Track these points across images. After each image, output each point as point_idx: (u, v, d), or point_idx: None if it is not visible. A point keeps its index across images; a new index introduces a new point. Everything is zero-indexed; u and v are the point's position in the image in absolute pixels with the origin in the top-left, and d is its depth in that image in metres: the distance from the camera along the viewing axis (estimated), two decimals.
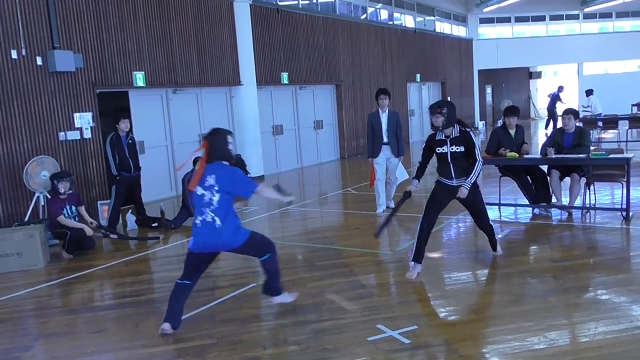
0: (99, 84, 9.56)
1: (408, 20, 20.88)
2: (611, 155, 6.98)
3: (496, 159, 7.49)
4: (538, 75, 29.51)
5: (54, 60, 8.66)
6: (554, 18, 27.11)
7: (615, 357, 3.54)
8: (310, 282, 5.27)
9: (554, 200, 7.46)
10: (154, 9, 10.55)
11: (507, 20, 26.68)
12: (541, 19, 26.98)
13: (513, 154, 7.28)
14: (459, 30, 25.18)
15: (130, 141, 8.29)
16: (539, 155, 7.42)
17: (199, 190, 4.18)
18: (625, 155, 7.24)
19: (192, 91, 11.74)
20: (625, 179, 6.86)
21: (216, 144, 4.21)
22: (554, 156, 7.06)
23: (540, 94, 28.09)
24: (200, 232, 4.19)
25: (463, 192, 5.22)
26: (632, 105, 20.05)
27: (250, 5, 12.57)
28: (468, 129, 5.27)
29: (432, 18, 22.79)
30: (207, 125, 11.97)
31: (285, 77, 14.03)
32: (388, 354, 3.72)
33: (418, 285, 5.23)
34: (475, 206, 5.52)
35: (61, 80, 8.98)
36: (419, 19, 21.64)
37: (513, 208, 7.99)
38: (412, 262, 5.35)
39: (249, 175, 12.96)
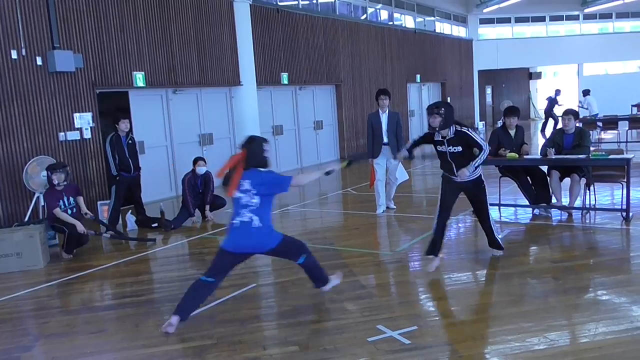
0: (99, 84, 9.56)
1: (408, 21, 20.89)
2: (611, 156, 6.98)
3: (496, 159, 7.48)
4: (538, 75, 29.51)
5: (54, 60, 8.66)
6: (554, 18, 27.12)
7: (615, 357, 3.53)
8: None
9: (554, 200, 7.45)
10: (154, 9, 10.55)
11: (507, 20, 26.69)
12: (541, 19, 26.99)
13: (513, 154, 7.28)
14: (459, 31, 25.18)
15: (130, 141, 8.29)
16: (539, 156, 7.42)
17: (236, 194, 4.30)
18: (625, 155, 7.24)
19: (192, 91, 11.74)
20: (625, 180, 6.86)
21: (253, 152, 4.35)
22: (554, 157, 7.06)
23: (540, 94, 28.09)
24: (238, 233, 4.28)
25: (462, 173, 5.24)
26: (632, 105, 20.05)
27: (250, 5, 12.57)
28: (464, 128, 5.26)
29: (432, 18, 22.80)
30: (207, 126, 12.01)
31: (285, 77, 14.03)
32: (388, 355, 3.72)
33: (418, 286, 5.23)
34: (478, 202, 5.56)
35: (61, 81, 8.98)
36: (419, 19, 21.65)
37: (513, 208, 7.99)
38: (431, 256, 5.48)
39: None
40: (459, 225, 7.40)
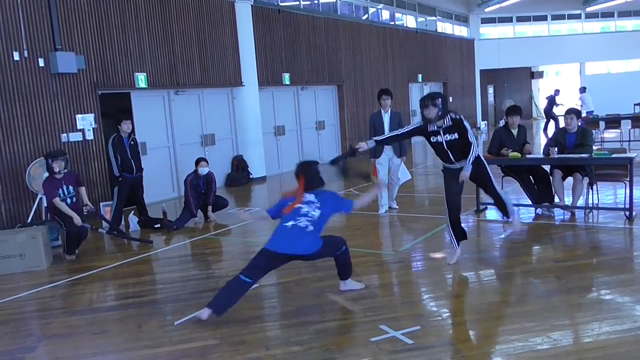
0: (101, 85, 9.58)
1: (409, 21, 20.88)
2: (614, 155, 6.96)
3: (498, 159, 7.48)
4: (540, 75, 29.47)
5: (56, 62, 8.67)
6: (556, 18, 27.09)
7: (618, 357, 3.52)
8: (312, 283, 5.27)
9: (556, 200, 7.44)
10: (156, 10, 10.57)
11: (508, 20, 26.66)
12: (543, 18, 26.96)
13: (515, 154, 7.27)
14: (461, 31, 25.17)
15: (132, 142, 8.30)
16: (541, 155, 7.40)
17: (297, 205, 4.55)
18: (628, 154, 7.23)
19: (194, 92, 11.75)
20: (628, 179, 6.85)
21: (311, 176, 4.64)
22: (556, 156, 7.05)
23: (542, 94, 28.06)
24: (288, 234, 4.43)
25: (464, 176, 5.24)
26: (635, 104, 20.04)
27: (251, 6, 12.58)
28: (459, 116, 5.25)
29: (434, 18, 22.78)
30: (209, 126, 12.02)
31: (286, 77, 14.03)
32: (391, 355, 3.71)
33: (421, 286, 5.23)
34: (481, 179, 5.51)
35: (63, 82, 8.99)
36: (421, 19, 21.64)
37: (515, 208, 7.96)
38: (457, 247, 5.56)
39: (251, 176, 13.02)
40: (462, 225, 7.37)
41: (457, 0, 24.40)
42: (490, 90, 28.42)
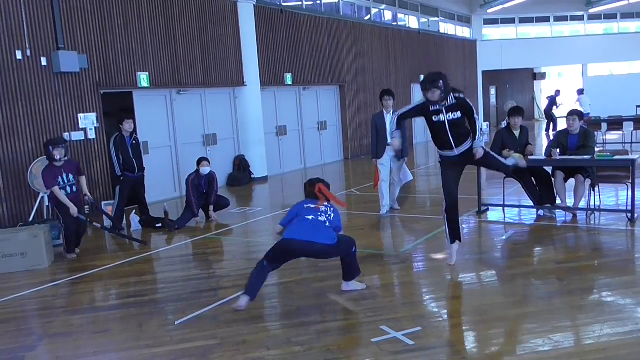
0: (103, 84, 9.59)
1: (412, 21, 20.87)
2: (616, 157, 6.96)
3: None
4: (542, 76, 29.45)
5: (58, 61, 8.69)
6: (559, 19, 27.06)
7: (620, 359, 3.52)
8: (313, 283, 5.26)
9: (558, 201, 7.43)
10: (158, 10, 10.58)
11: (511, 21, 26.64)
12: (546, 19, 26.93)
13: (517, 155, 7.25)
14: (463, 31, 25.15)
15: (134, 142, 8.30)
16: (543, 157, 7.39)
17: (313, 205, 4.84)
18: (630, 156, 7.22)
19: (196, 92, 11.76)
20: (630, 181, 6.84)
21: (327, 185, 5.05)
22: (558, 157, 7.04)
23: (544, 95, 28.06)
24: (308, 224, 4.65)
25: (480, 153, 5.21)
26: (637, 106, 20.01)
27: (254, 6, 12.58)
28: (462, 94, 5.20)
29: (436, 19, 22.77)
30: (211, 126, 12.03)
31: (289, 77, 14.04)
32: (392, 356, 3.71)
33: (422, 287, 5.22)
34: (487, 160, 5.45)
35: (66, 81, 9.01)
36: (423, 20, 21.62)
37: (517, 209, 7.97)
38: (449, 244, 5.52)
39: (253, 176, 13.01)
40: (463, 226, 7.37)
41: (459, 1, 24.39)
42: (493, 91, 28.40)
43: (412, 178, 8.56)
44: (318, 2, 15.85)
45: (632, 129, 15.06)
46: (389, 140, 8.02)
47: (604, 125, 15.64)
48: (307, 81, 14.78)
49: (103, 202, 8.81)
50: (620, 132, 15.60)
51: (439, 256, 5.92)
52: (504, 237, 6.76)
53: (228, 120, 12.63)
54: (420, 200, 9.50)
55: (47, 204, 8.13)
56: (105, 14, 9.58)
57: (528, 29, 27.15)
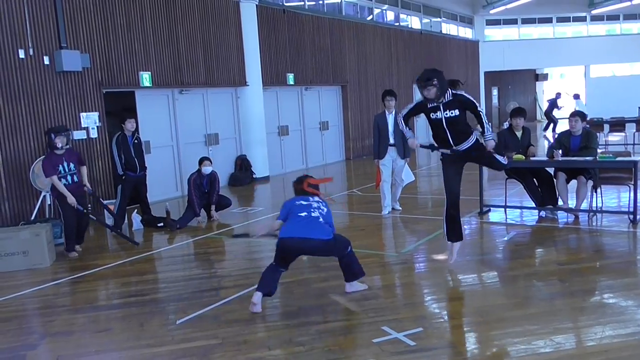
0: (105, 83, 9.60)
1: (414, 22, 20.86)
2: (618, 158, 6.95)
3: None
4: (544, 77, 29.41)
5: (61, 60, 8.69)
6: (561, 20, 27.03)
7: None
8: (315, 283, 5.26)
9: (560, 202, 7.42)
10: (161, 9, 10.58)
11: (513, 22, 26.62)
12: (548, 20, 26.90)
13: (519, 156, 7.25)
14: (465, 32, 25.13)
15: (136, 141, 8.30)
16: (545, 158, 7.38)
17: (304, 202, 4.88)
18: (632, 158, 7.20)
19: (198, 91, 11.76)
20: (632, 182, 6.82)
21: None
22: (560, 158, 7.03)
23: (546, 96, 28.05)
24: (302, 221, 4.67)
25: (491, 145, 5.22)
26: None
27: (256, 5, 12.58)
28: (460, 91, 5.15)
29: (439, 19, 22.76)
30: (213, 126, 12.02)
31: (291, 77, 14.04)
32: (393, 356, 3.70)
33: (423, 287, 5.22)
34: (484, 158, 5.45)
35: (68, 80, 9.01)
36: (425, 20, 21.61)
37: (519, 210, 7.96)
38: (449, 243, 5.48)
39: (254, 176, 13.02)
40: (464, 227, 7.37)
41: (462, 1, 24.37)
42: (495, 92, 28.37)
43: (413, 179, 8.55)
44: (320, 2, 15.85)
45: (635, 130, 15.03)
46: (391, 141, 8.04)
47: (606, 127, 15.63)
48: (309, 81, 14.78)
49: (105, 201, 8.81)
50: (623, 134, 15.58)
51: (441, 257, 5.92)
52: (505, 238, 6.76)
53: (230, 120, 12.63)
54: (422, 201, 9.49)
55: (49, 202, 8.14)
56: (107, 13, 9.59)
57: (530, 30, 27.13)
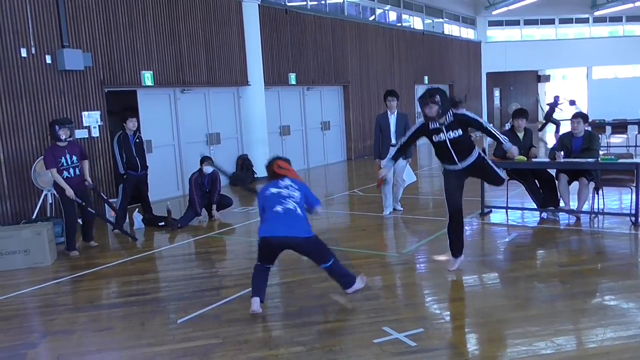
0: (107, 82, 9.60)
1: (416, 22, 20.85)
2: (620, 160, 6.93)
3: (504, 162, 7.44)
4: (547, 78, 29.39)
5: (63, 59, 8.70)
6: (564, 21, 26.99)
7: None
8: (316, 283, 5.26)
9: (561, 204, 7.41)
10: (163, 9, 10.58)
11: (516, 23, 26.60)
12: (550, 22, 26.87)
13: (521, 157, 7.24)
14: (468, 33, 25.12)
15: (137, 140, 8.31)
16: (547, 159, 7.38)
17: (274, 190, 4.73)
18: (634, 160, 7.20)
19: (200, 91, 11.77)
20: (634, 184, 6.81)
21: (286, 160, 5.02)
22: (562, 160, 7.02)
23: (548, 97, 28.06)
24: (279, 218, 4.56)
25: (515, 151, 5.35)
26: None
27: (258, 5, 12.59)
28: (460, 111, 5.12)
29: (441, 20, 22.75)
30: (215, 125, 12.03)
31: (292, 77, 14.04)
32: (394, 357, 3.70)
33: (424, 288, 5.22)
34: (485, 174, 5.44)
35: (70, 79, 9.02)
36: (428, 20, 21.61)
37: (520, 212, 7.96)
38: (452, 258, 5.43)
39: (256, 176, 13.01)
40: (466, 228, 7.35)
41: (464, 2, 24.36)
42: (497, 93, 28.35)
43: (415, 179, 8.55)
44: (322, 2, 15.85)
45: (637, 132, 15.01)
46: (393, 141, 8.04)
47: (608, 129, 15.62)
48: (311, 81, 14.78)
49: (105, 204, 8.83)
50: (625, 136, 15.56)
51: (442, 258, 5.91)
52: (506, 240, 6.76)
53: (232, 120, 12.63)
54: (423, 202, 9.49)
55: (50, 201, 8.15)
56: (110, 13, 9.59)
57: (533, 31, 27.11)
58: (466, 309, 4.65)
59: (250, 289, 5.14)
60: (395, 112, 8.10)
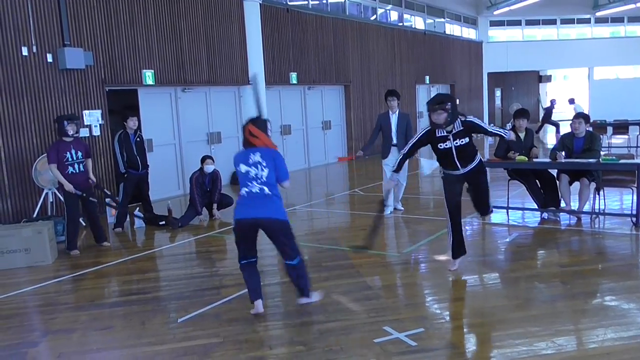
0: (108, 81, 9.60)
1: (418, 22, 20.84)
2: (621, 161, 6.92)
3: (505, 162, 7.45)
4: (548, 78, 29.37)
5: (64, 58, 8.70)
6: (565, 22, 26.97)
7: None
8: (316, 283, 5.24)
9: (562, 204, 7.41)
10: (164, 8, 10.58)
11: (517, 23, 26.57)
12: (552, 22, 26.85)
13: (522, 157, 7.24)
14: (469, 33, 25.10)
15: (138, 139, 8.31)
16: (548, 159, 7.37)
17: (243, 168, 4.44)
18: (635, 160, 7.19)
19: (201, 90, 11.77)
20: (635, 185, 6.81)
21: (261, 129, 4.48)
22: (563, 160, 7.02)
23: (549, 98, 28.03)
24: (246, 201, 4.38)
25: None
26: None
27: (260, 4, 12.58)
28: (468, 117, 5.07)
29: (442, 20, 22.73)
30: (216, 124, 12.05)
31: (294, 77, 14.03)
32: (394, 356, 3.70)
33: (425, 288, 5.21)
34: (479, 184, 5.29)
35: (71, 78, 9.02)
36: (429, 20, 21.59)
37: (521, 212, 7.95)
38: (451, 258, 5.40)
39: None
40: (466, 228, 7.35)
41: (466, 2, 24.33)
42: (498, 93, 28.34)
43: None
44: (324, 1, 15.85)
45: (638, 133, 15.00)
46: (394, 141, 8.04)
47: (610, 129, 15.61)
48: (312, 80, 14.78)
49: (107, 199, 8.82)
50: (626, 136, 15.54)
51: (442, 257, 5.90)
52: (507, 240, 6.75)
53: (232, 119, 12.63)
54: (424, 202, 9.49)
55: (51, 200, 8.15)
56: (111, 11, 9.59)
57: (534, 31, 27.08)
58: (467, 309, 4.65)
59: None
60: (397, 112, 8.10)
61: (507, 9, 24.01)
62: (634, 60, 26.83)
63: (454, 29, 23.75)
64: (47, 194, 8.15)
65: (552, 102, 20.81)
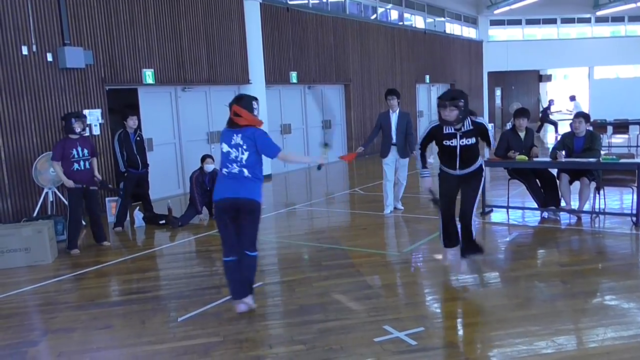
0: (108, 80, 9.60)
1: (418, 21, 20.84)
2: (622, 160, 6.93)
3: (505, 161, 7.45)
4: (548, 78, 29.36)
5: (64, 57, 8.69)
6: (566, 21, 26.96)
7: None
8: (316, 282, 5.26)
9: (562, 204, 7.41)
10: (164, 7, 10.58)
11: (517, 22, 26.56)
12: (552, 21, 26.83)
13: (522, 156, 7.24)
14: (469, 32, 25.09)
15: (138, 138, 8.31)
16: (548, 159, 7.37)
17: (225, 148, 4.45)
18: (636, 160, 7.19)
19: (201, 89, 11.76)
20: (635, 184, 6.81)
21: (245, 108, 4.47)
22: (563, 159, 7.02)
23: (550, 97, 28.03)
24: (227, 180, 4.43)
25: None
26: None
27: (260, 3, 12.57)
28: (478, 118, 4.98)
29: (443, 19, 22.73)
30: (216, 124, 12.03)
31: (294, 76, 14.03)
32: (394, 355, 3.70)
33: (425, 287, 5.21)
34: (470, 188, 5.08)
35: (71, 77, 9.02)
36: (429, 19, 21.59)
37: (521, 211, 7.95)
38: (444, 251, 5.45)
39: None
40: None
41: (466, 1, 24.33)
42: (498, 92, 28.33)
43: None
44: (324, 0, 15.84)
45: (638, 132, 15.00)
46: (394, 140, 8.04)
47: (610, 128, 15.60)
48: (312, 80, 14.77)
49: (107, 199, 8.83)
50: (626, 136, 15.54)
51: (442, 257, 5.90)
52: (507, 239, 6.75)
53: None
54: (424, 201, 9.48)
55: (51, 199, 8.15)
56: (111, 10, 9.58)
57: (534, 31, 27.07)
58: (466, 308, 4.65)
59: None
60: (397, 111, 8.09)
61: (507, 8, 24.00)
62: (634, 60, 26.82)
63: (454, 28, 23.74)
64: (47, 193, 8.15)
65: (550, 102, 20.91)
